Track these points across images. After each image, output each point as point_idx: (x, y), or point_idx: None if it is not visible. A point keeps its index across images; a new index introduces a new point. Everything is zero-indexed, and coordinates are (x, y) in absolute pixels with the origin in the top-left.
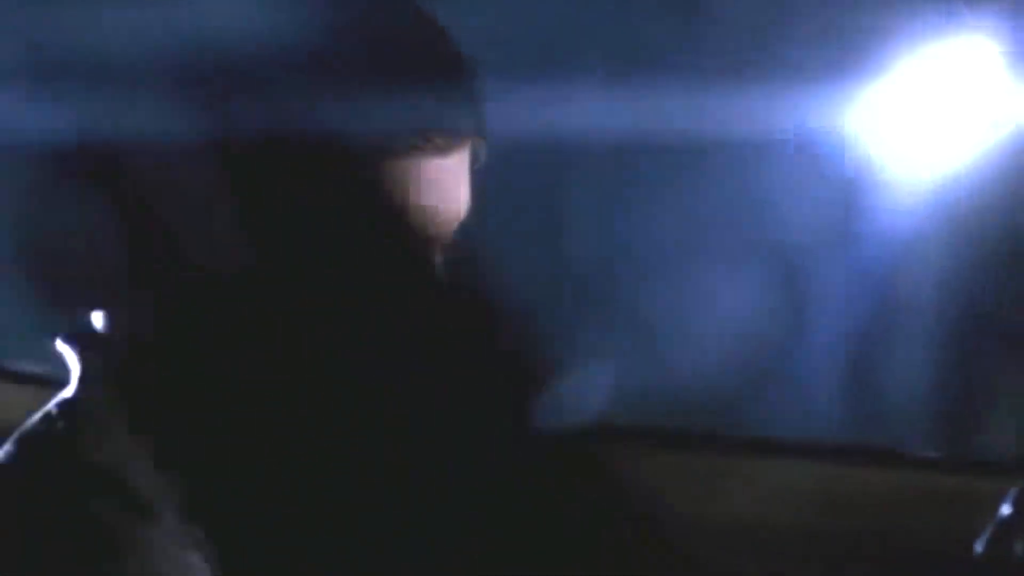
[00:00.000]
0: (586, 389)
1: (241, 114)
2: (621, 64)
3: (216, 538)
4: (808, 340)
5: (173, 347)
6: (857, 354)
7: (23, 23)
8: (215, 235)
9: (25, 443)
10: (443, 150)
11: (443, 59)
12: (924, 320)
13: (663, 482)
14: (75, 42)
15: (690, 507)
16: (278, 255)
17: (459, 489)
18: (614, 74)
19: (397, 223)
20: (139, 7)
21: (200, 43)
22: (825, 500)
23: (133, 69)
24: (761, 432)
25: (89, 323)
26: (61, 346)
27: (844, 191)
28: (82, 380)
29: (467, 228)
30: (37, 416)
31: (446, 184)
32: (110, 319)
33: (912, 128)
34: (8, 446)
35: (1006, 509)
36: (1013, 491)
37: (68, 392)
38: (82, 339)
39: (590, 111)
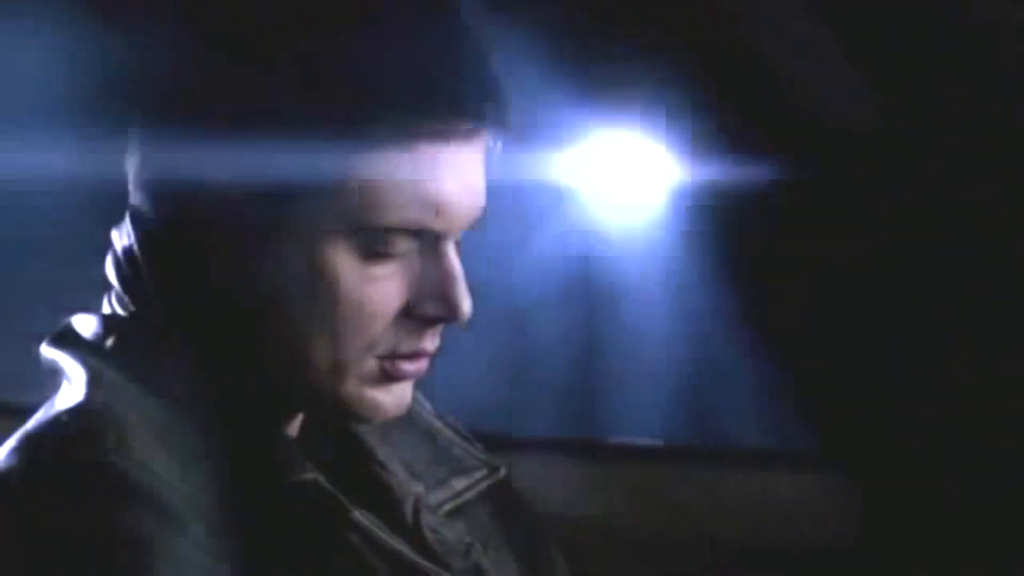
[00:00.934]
0: None
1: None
2: None
3: None
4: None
5: (209, 351)
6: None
7: None
8: None
9: (40, 450)
10: (467, 137)
11: (474, 48)
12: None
13: None
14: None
15: None
16: None
17: None
18: None
19: None
20: None
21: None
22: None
23: None
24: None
25: (76, 327)
26: (50, 351)
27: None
28: (92, 385)
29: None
30: (42, 422)
31: (468, 173)
32: (109, 320)
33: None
34: (16, 454)
35: None
36: None
37: (76, 397)
38: (76, 343)
39: None
